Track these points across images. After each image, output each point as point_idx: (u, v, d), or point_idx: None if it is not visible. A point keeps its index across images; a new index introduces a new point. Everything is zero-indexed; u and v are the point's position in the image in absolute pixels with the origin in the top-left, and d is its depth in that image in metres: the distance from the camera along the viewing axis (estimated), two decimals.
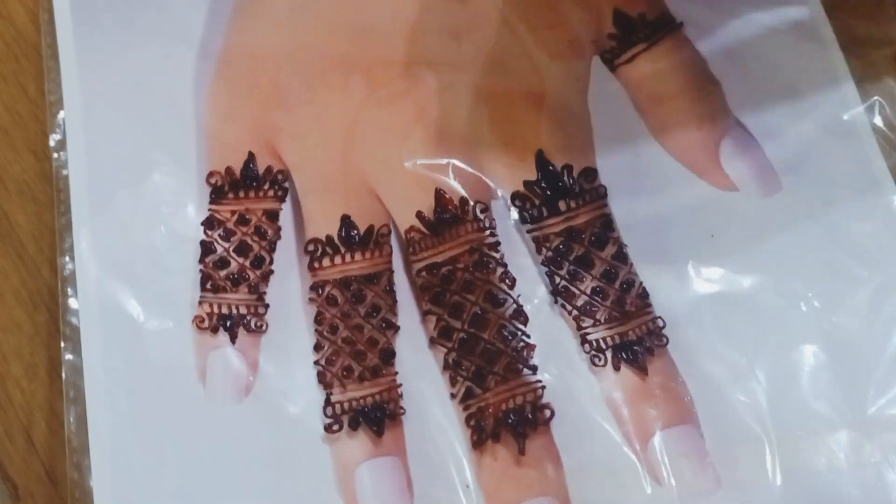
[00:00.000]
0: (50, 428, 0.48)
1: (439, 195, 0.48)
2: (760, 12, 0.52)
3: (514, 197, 0.49)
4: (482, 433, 0.46)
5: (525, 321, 0.48)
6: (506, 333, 0.47)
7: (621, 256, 0.48)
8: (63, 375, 0.48)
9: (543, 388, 0.47)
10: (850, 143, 0.51)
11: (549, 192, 0.48)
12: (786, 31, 0.52)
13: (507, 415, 0.46)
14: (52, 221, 0.50)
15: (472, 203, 0.48)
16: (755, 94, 0.51)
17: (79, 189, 0.50)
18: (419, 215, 0.48)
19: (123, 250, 0.49)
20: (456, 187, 0.48)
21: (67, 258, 0.49)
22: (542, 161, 0.48)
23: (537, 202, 0.48)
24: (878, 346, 0.48)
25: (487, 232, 0.48)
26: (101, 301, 0.48)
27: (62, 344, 0.48)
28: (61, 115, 0.51)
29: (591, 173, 0.48)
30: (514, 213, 0.49)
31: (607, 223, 0.48)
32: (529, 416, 0.46)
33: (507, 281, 0.48)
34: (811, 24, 0.52)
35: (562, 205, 0.48)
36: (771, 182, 0.49)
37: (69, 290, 0.48)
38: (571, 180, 0.48)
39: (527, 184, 0.48)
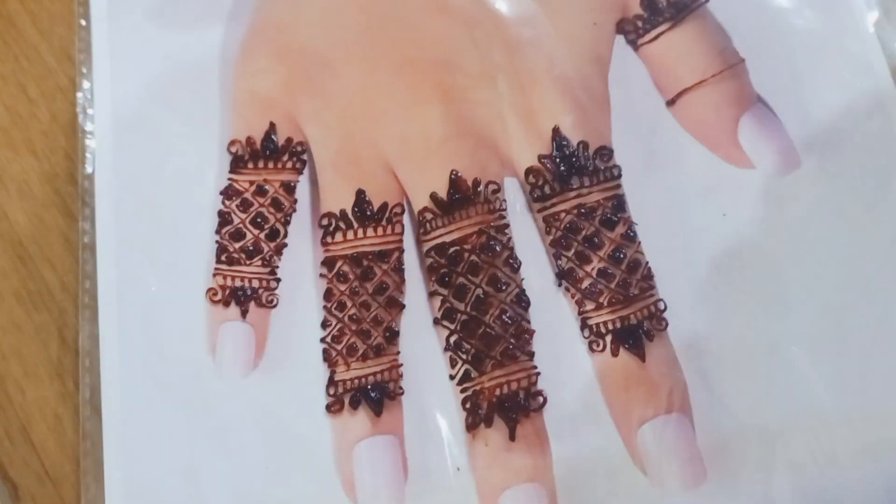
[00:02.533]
0: (50, 428, 0.48)
1: (454, 177, 0.49)
2: None
3: (528, 172, 0.49)
4: (476, 416, 0.47)
5: (526, 306, 0.49)
6: (506, 318, 0.48)
7: (630, 237, 0.48)
8: (79, 344, 0.50)
9: (538, 374, 0.48)
10: (878, 127, 0.50)
11: (562, 168, 0.48)
12: (815, 8, 0.51)
13: (501, 400, 0.47)
14: (53, 221, 0.52)
15: (483, 184, 0.49)
16: (781, 72, 0.51)
17: (103, 152, 0.51)
18: (433, 196, 0.49)
19: (144, 220, 0.51)
20: (471, 167, 0.49)
21: (85, 213, 0.51)
22: (558, 136, 0.49)
23: (549, 178, 0.49)
24: (884, 346, 0.48)
25: (497, 214, 0.49)
26: (120, 272, 0.50)
27: (79, 311, 0.50)
28: (86, 83, 0.53)
29: (606, 152, 0.49)
30: (526, 192, 0.50)
31: (619, 204, 0.49)
32: (522, 401, 0.47)
33: (512, 264, 0.49)
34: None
35: (574, 181, 0.48)
36: (790, 159, 0.49)
37: (87, 256, 0.50)
38: (586, 157, 0.48)
39: (541, 158, 0.49)
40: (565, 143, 0.49)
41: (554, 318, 0.49)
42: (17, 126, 0.53)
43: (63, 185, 0.52)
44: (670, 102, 0.51)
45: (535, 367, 0.48)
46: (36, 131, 0.53)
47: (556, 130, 0.49)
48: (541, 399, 0.48)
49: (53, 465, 0.49)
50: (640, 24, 0.51)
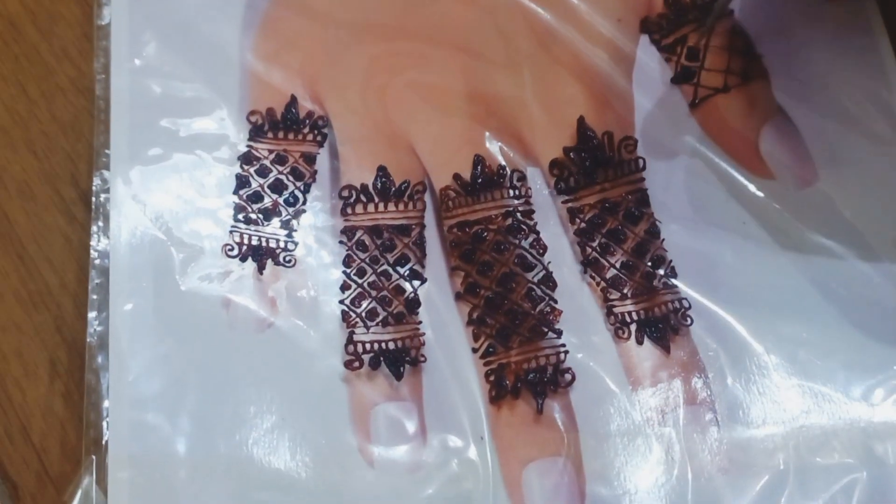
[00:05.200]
0: (50, 428, 0.47)
1: (478, 160, 0.48)
2: (815, 5, 0.52)
3: (553, 165, 0.49)
4: (501, 389, 0.46)
5: (553, 287, 0.48)
6: (534, 296, 0.47)
7: (654, 233, 0.48)
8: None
9: (567, 352, 0.46)
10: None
11: (587, 161, 0.48)
12: (838, 25, 0.52)
13: (528, 374, 0.46)
14: (53, 221, 0.50)
15: (509, 170, 0.48)
16: (803, 84, 0.51)
17: (120, 117, 0.50)
18: (456, 177, 0.48)
19: (161, 182, 0.49)
20: (495, 153, 0.49)
21: (104, 173, 0.49)
22: (582, 126, 0.49)
23: (574, 170, 0.48)
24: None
25: (523, 199, 0.49)
26: (133, 228, 0.48)
27: (91, 272, 0.48)
28: (104, 43, 0.51)
29: (630, 143, 0.49)
30: (550, 184, 0.50)
31: (643, 198, 0.48)
32: (550, 377, 0.46)
33: (538, 248, 0.48)
34: (865, 20, 0.52)
35: (599, 174, 0.48)
36: (808, 173, 0.49)
37: (100, 220, 0.48)
38: (611, 148, 0.48)
39: (566, 150, 0.48)
40: (590, 133, 0.49)
41: (581, 302, 0.48)
42: (17, 126, 0.52)
43: (63, 185, 0.51)
44: (692, 105, 0.51)
45: (564, 345, 0.47)
46: (36, 131, 0.52)
47: (581, 121, 0.49)
48: (569, 376, 0.46)
49: (53, 465, 0.47)
50: (663, 23, 0.52)
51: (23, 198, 0.51)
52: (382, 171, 0.49)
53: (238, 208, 0.48)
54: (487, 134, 0.49)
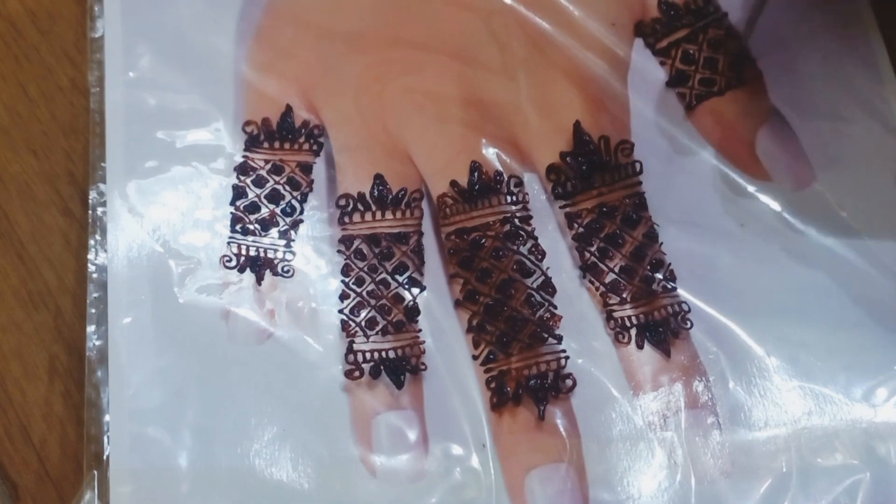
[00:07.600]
0: (50, 428, 0.47)
1: (474, 166, 0.48)
2: (810, 8, 0.52)
3: (550, 170, 0.49)
4: (503, 396, 0.46)
5: (553, 292, 0.47)
6: (533, 302, 0.47)
7: (652, 236, 0.48)
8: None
9: (567, 357, 0.46)
10: (892, 145, 0.50)
11: (584, 166, 0.48)
12: (834, 27, 0.52)
13: (529, 380, 0.46)
14: (53, 221, 0.50)
15: (506, 177, 0.48)
16: (799, 85, 0.51)
17: (115, 130, 0.50)
18: (453, 184, 0.48)
19: (158, 194, 0.49)
20: (491, 159, 0.49)
21: (101, 186, 0.49)
22: (579, 131, 0.48)
23: (571, 175, 0.48)
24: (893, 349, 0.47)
25: (520, 205, 0.48)
26: (130, 241, 0.48)
27: (89, 286, 0.48)
28: (98, 56, 0.51)
29: (627, 146, 0.49)
30: (547, 190, 0.49)
31: (640, 203, 0.48)
32: (551, 383, 0.46)
33: (536, 254, 0.48)
34: (859, 21, 0.52)
35: (597, 179, 0.48)
36: (805, 174, 0.49)
37: (97, 234, 0.48)
38: (608, 153, 0.48)
39: (562, 155, 0.48)
40: (587, 138, 0.48)
41: (581, 307, 0.48)
42: (17, 126, 0.52)
43: (63, 185, 0.51)
44: (688, 108, 0.51)
45: (564, 351, 0.46)
46: (36, 131, 0.52)
47: (577, 125, 0.49)
48: (570, 382, 0.46)
49: (53, 465, 0.47)
50: (657, 27, 0.52)
51: (23, 198, 0.51)
52: (379, 180, 0.48)
53: (235, 219, 0.48)
54: (484, 140, 0.49)
